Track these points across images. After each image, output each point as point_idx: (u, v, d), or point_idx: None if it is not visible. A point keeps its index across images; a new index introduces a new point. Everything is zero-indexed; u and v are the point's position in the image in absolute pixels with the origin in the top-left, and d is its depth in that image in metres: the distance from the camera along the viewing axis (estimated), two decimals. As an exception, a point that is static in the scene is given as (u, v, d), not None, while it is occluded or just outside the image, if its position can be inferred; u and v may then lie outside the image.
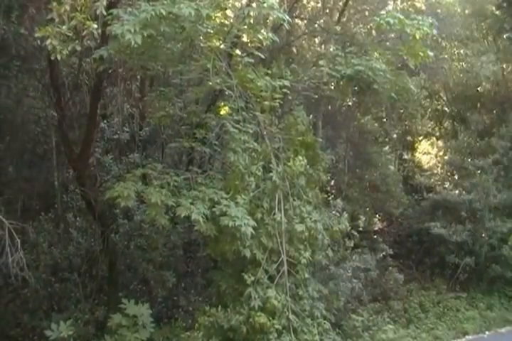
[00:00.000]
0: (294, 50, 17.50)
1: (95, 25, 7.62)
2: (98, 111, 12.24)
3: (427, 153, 23.11)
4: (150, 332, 10.34)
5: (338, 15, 17.28)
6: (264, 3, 9.21)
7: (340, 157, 18.99)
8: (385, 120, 21.42)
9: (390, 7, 18.54)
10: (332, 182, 18.40)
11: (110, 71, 11.70)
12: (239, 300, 10.33)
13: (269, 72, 11.40)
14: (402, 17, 11.09)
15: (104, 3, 7.50)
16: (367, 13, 18.33)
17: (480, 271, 18.00)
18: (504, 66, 20.40)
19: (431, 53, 11.87)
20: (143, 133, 15.19)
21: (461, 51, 21.13)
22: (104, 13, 7.65)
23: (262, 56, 11.68)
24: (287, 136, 12.00)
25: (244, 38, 11.19)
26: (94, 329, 11.79)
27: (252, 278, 10.16)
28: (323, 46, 16.48)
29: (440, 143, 22.92)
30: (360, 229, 15.22)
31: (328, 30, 15.84)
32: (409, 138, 22.69)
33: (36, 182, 13.93)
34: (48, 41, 7.26)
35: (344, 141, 19.24)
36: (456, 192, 19.42)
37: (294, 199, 11.17)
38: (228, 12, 10.88)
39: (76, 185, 12.88)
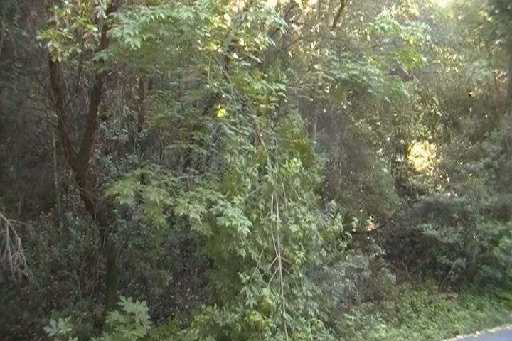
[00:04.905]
0: (290, 54, 17.70)
1: (95, 29, 7.78)
2: (98, 113, 12.36)
3: (420, 156, 23.29)
4: (147, 329, 10.35)
5: (333, 20, 17.49)
6: (261, 7, 9.45)
7: (335, 159, 19.17)
8: (378, 123, 21.54)
9: (384, 13, 18.66)
10: (326, 184, 18.41)
11: (110, 73, 11.74)
12: (234, 299, 10.49)
13: (266, 75, 11.60)
14: (396, 23, 11.38)
15: (105, 6, 7.71)
16: (362, 19, 18.50)
17: (471, 272, 18.14)
18: (496, 71, 20.52)
19: (424, 58, 12.13)
20: (141, 134, 15.37)
21: (454, 56, 21.47)
22: (105, 16, 7.85)
23: (259, 60, 11.84)
24: (283, 138, 12.21)
25: (242, 42, 11.25)
26: (93, 326, 11.92)
27: (248, 278, 10.32)
28: (318, 51, 16.61)
29: (433, 146, 23.13)
30: (354, 230, 15.19)
31: (323, 35, 16.03)
32: (402, 141, 22.82)
33: (36, 182, 14.08)
34: (49, 44, 7.44)
35: (338, 143, 19.33)
36: (448, 194, 19.51)
37: (288, 201, 11.35)
38: (226, 16, 10.93)
39: (75, 185, 12.94)
